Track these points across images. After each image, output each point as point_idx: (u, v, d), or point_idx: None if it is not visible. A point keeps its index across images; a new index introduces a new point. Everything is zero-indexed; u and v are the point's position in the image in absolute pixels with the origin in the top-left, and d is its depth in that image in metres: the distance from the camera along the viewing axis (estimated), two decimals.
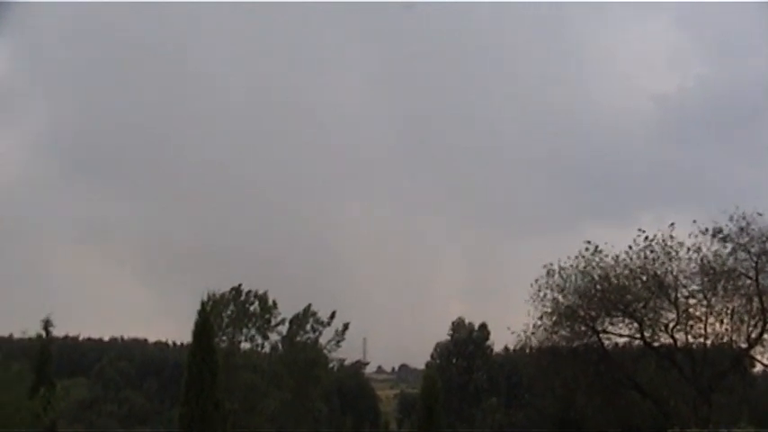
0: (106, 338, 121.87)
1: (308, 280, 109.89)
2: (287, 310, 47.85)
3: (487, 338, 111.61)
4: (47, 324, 15.83)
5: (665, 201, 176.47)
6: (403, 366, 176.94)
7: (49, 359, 15.24)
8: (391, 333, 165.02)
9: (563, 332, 32.84)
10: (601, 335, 32.80)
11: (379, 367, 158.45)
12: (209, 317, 19.28)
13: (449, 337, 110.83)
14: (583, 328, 32.63)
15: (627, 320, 32.26)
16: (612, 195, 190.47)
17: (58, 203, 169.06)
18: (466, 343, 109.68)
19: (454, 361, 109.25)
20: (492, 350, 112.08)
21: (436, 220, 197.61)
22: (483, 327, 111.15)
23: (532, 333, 33.27)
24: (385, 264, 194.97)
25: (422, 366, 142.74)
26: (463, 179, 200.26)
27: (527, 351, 35.49)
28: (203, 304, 22.41)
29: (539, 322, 32.70)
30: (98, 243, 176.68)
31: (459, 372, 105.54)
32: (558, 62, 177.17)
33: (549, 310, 32.46)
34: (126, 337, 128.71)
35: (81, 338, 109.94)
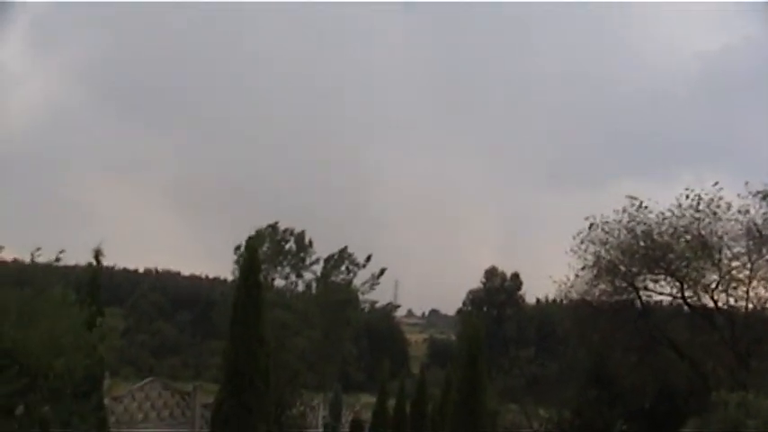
0: (141, 270, 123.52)
1: (343, 222, 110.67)
2: (322, 251, 47.95)
3: (519, 289, 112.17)
4: (98, 253, 15.62)
5: (705, 160, 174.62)
6: (433, 311, 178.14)
7: (99, 290, 15.07)
8: (422, 278, 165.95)
9: (603, 286, 32.45)
10: (641, 292, 32.37)
11: (409, 311, 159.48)
12: (257, 253, 19.11)
13: (481, 285, 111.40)
14: (623, 284, 32.19)
15: (668, 279, 31.74)
16: (652, 153, 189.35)
17: (99, 134, 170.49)
18: (498, 292, 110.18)
19: (485, 309, 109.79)
20: (523, 300, 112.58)
21: (473, 172, 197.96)
22: (515, 276, 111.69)
23: (571, 286, 33.03)
24: (420, 211, 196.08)
25: (452, 312, 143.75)
26: (502, 133, 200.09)
27: (565, 302, 35.09)
28: (250, 240, 22.30)
29: (580, 274, 32.37)
30: (134, 174, 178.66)
31: (490, 320, 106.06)
32: (600, 18, 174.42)
33: (591, 263, 32.08)
34: (160, 269, 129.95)
35: (116, 268, 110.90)
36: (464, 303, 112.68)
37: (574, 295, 33.40)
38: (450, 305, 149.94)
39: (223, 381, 18.19)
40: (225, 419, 17.77)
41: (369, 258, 56.60)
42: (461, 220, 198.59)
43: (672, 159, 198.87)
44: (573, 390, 35.81)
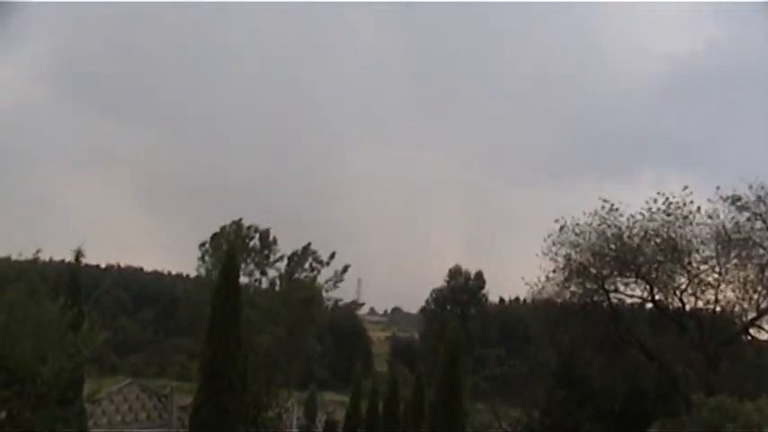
0: (103, 265, 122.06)
1: (306, 220, 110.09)
2: (286, 248, 47.82)
3: (483, 288, 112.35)
4: (78, 254, 15.34)
5: (669, 162, 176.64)
6: (395, 309, 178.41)
7: (79, 290, 14.78)
8: (385, 276, 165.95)
9: (573, 288, 32.62)
10: (611, 294, 32.60)
11: (372, 309, 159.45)
12: (236, 255, 18.97)
13: (445, 284, 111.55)
14: (594, 286, 32.41)
15: (638, 282, 32.01)
16: (616, 153, 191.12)
17: (60, 130, 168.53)
18: (461, 291, 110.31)
19: (449, 308, 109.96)
20: (486, 299, 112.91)
21: (438, 171, 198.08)
22: (479, 276, 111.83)
23: (542, 288, 33.16)
24: (384, 208, 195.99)
25: (414, 310, 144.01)
26: (469, 133, 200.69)
27: (536, 303, 35.22)
28: (230, 242, 22.19)
29: (551, 275, 32.51)
30: (98, 170, 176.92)
31: (453, 319, 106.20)
32: (570, 19, 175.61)
33: (561, 265, 32.25)
34: (123, 264, 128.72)
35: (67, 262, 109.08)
36: (427, 302, 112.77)
37: (544, 297, 33.47)
38: (413, 303, 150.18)
39: (200, 382, 18.04)
40: (203, 422, 17.64)
41: (333, 256, 56.48)
42: (425, 218, 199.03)
43: (636, 160, 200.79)
44: (542, 390, 36.03)
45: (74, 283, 14.95)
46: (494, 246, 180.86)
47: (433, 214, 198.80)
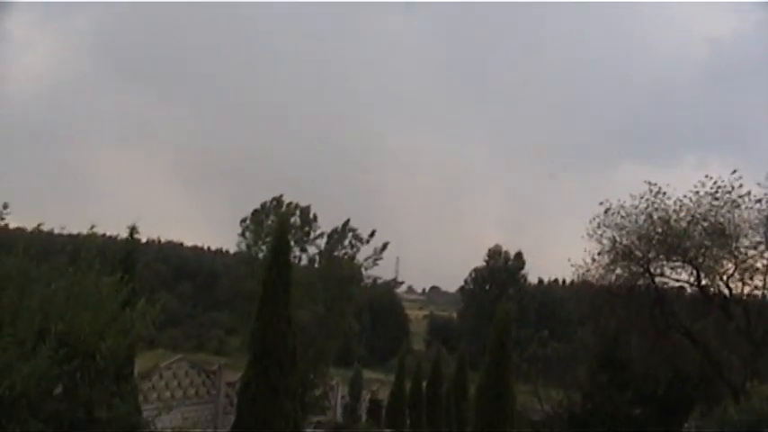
0: (143, 240, 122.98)
1: (346, 198, 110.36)
2: (326, 225, 47.92)
3: (522, 268, 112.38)
4: (133, 230, 15.44)
5: (709, 146, 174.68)
6: (433, 288, 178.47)
7: (134, 266, 14.89)
8: (424, 254, 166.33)
9: (619, 271, 32.37)
10: (656, 278, 32.33)
11: (410, 287, 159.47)
12: (287, 232, 19.01)
13: (484, 264, 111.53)
14: (639, 270, 32.15)
15: (685, 266, 31.70)
16: (657, 137, 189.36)
17: (103, 105, 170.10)
18: (500, 271, 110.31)
19: (487, 288, 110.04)
20: (525, 280, 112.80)
21: (479, 152, 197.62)
22: (518, 256, 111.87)
23: (587, 270, 32.92)
24: (424, 188, 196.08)
25: (452, 290, 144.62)
26: (509, 115, 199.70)
27: (581, 285, 34.95)
28: (281, 219, 22.21)
29: (596, 257, 32.30)
30: (138, 144, 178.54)
31: (492, 299, 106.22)
32: (608, 4, 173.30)
33: (607, 248, 32.02)
34: (163, 239, 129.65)
35: (118, 238, 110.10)
36: (466, 281, 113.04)
37: (590, 279, 33.25)
38: (451, 282, 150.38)
39: (250, 360, 18.14)
40: (252, 399, 17.75)
41: (372, 234, 56.34)
42: (465, 198, 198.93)
43: (676, 144, 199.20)
44: (584, 373, 35.88)
45: (128, 259, 15.05)
46: (533, 227, 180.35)
47: (473, 195, 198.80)
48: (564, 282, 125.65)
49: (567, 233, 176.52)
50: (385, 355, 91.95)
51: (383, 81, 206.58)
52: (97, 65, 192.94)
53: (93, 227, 13.79)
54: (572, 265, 33.42)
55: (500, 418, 19.55)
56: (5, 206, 11.71)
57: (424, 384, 33.79)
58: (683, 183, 30.56)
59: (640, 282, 32.47)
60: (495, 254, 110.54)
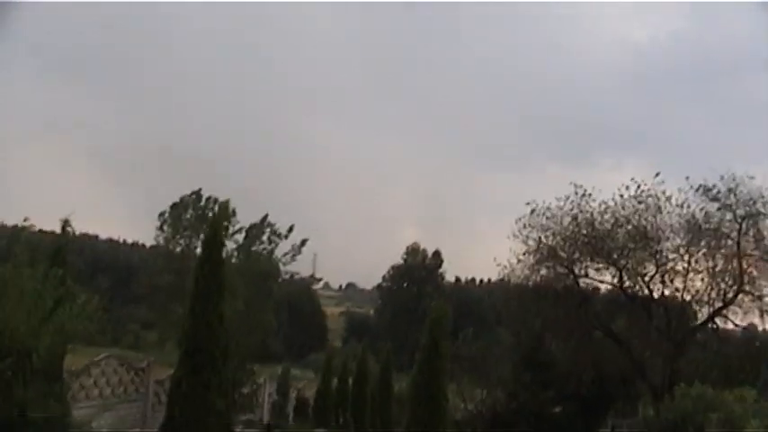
0: (58, 231, 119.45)
1: (264, 192, 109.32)
2: (243, 219, 47.46)
3: (440, 266, 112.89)
4: (65, 224, 14.80)
5: (625, 148, 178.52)
6: (350, 285, 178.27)
7: (65, 262, 14.14)
8: (340, 250, 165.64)
9: (544, 272, 32.71)
10: (581, 279, 32.77)
11: (326, 284, 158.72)
12: (221, 228, 18.58)
13: (402, 261, 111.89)
14: (563, 271, 32.53)
15: (609, 268, 32.21)
16: (574, 139, 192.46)
17: (13, 98, 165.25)
18: (418, 268, 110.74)
19: (405, 285, 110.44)
20: (443, 278, 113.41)
21: (397, 147, 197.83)
22: (436, 254, 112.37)
23: (512, 270, 33.17)
24: (341, 183, 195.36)
25: (369, 287, 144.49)
26: (428, 114, 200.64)
27: (509, 285, 35.13)
28: (215, 215, 21.77)
29: (522, 258, 32.55)
30: (53, 135, 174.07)
31: (410, 297, 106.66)
32: (531, 4, 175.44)
33: (533, 248, 32.30)
34: (78, 231, 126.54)
35: (31, 230, 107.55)
36: (384, 278, 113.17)
37: (515, 279, 33.54)
38: (368, 279, 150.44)
39: (181, 356, 17.66)
40: (183, 396, 17.26)
41: (291, 229, 55.65)
42: (383, 196, 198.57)
43: (593, 146, 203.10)
44: (509, 372, 36.13)
45: (60, 254, 14.37)
46: (450, 226, 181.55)
47: (391, 193, 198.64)
48: (481, 281, 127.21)
49: (485, 232, 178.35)
50: (302, 352, 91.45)
51: (301, 76, 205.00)
52: (20, 58, 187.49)
53: (26, 219, 13.24)
54: (498, 265, 33.70)
55: (433, 419, 19.46)
56: None
57: (350, 382, 33.53)
58: (599, 184, 31.15)
59: (565, 282, 32.88)
60: (413, 252, 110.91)
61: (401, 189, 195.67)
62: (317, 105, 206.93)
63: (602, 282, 33.14)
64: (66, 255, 14.54)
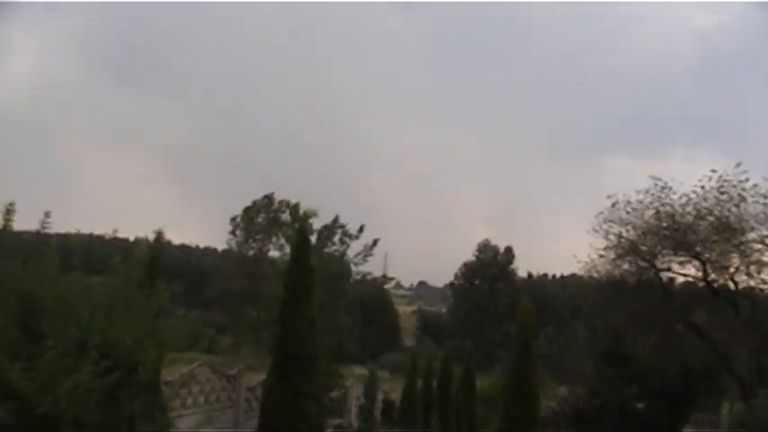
0: (131, 239, 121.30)
1: (334, 193, 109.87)
2: (315, 222, 47.79)
3: (511, 262, 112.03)
4: (159, 235, 14.99)
5: (695, 138, 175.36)
6: (421, 283, 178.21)
7: (159, 272, 14.28)
8: (411, 249, 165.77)
9: (626, 266, 32.30)
10: (663, 273, 32.28)
11: (398, 283, 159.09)
12: (308, 234, 18.75)
13: (474, 258, 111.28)
14: (645, 265, 32.07)
15: (691, 260, 31.63)
16: (645, 130, 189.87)
17: (86, 106, 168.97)
18: (490, 265, 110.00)
19: (477, 282, 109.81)
20: (515, 274, 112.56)
21: (467, 145, 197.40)
22: (508, 250, 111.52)
23: (593, 266, 32.83)
24: (412, 181, 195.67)
25: (440, 285, 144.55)
26: (497, 109, 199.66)
27: (590, 281, 34.74)
28: (302, 221, 22.00)
29: (603, 253, 32.17)
30: (125, 143, 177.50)
31: (482, 294, 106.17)
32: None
33: (614, 243, 31.92)
34: (150, 238, 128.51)
35: (106, 238, 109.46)
36: (456, 276, 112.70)
37: (595, 274, 33.19)
38: (439, 277, 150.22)
39: (272, 363, 17.87)
40: (275, 403, 17.48)
41: (361, 229, 55.97)
42: (453, 192, 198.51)
43: (664, 137, 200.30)
44: (591, 368, 35.76)
45: (154, 265, 14.51)
46: (520, 222, 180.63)
47: (460, 190, 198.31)
48: (553, 276, 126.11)
49: (555, 227, 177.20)
50: (376, 352, 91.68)
51: (371, 77, 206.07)
52: (83, 64, 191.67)
53: (115, 231, 13.46)
54: (578, 261, 33.35)
55: (526, 418, 19.42)
56: (47, 215, 11.51)
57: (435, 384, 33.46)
58: (672, 176, 30.88)
59: (647, 276, 32.42)
60: (484, 248, 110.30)
61: (470, 186, 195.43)
62: (386, 105, 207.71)
63: (685, 275, 32.54)
64: (159, 266, 14.73)
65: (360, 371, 51.60)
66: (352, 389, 32.42)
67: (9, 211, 11.99)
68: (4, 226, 11.98)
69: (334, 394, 29.88)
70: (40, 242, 11.89)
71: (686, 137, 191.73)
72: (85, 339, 10.69)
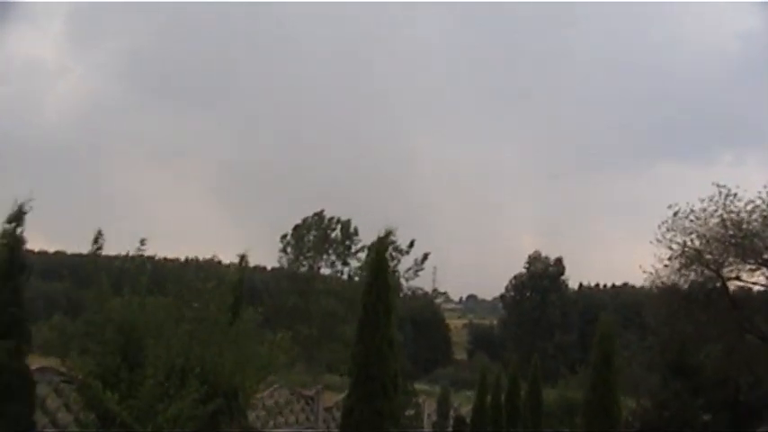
0: (182, 259, 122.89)
1: (383, 208, 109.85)
2: (366, 238, 47.73)
3: (562, 274, 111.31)
4: (243, 258, 15.10)
5: (746, 141, 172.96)
6: (470, 296, 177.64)
7: (242, 296, 14.38)
8: (459, 262, 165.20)
9: (693, 276, 31.91)
10: (731, 282, 31.79)
11: (447, 296, 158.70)
12: (385, 253, 18.66)
13: (524, 270, 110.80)
14: (711, 274, 31.64)
15: (759, 268, 31.13)
16: (691, 135, 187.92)
17: (140, 125, 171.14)
18: (541, 277, 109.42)
19: (528, 294, 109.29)
20: (566, 285, 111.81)
21: (512, 157, 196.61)
22: (558, 261, 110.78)
23: (658, 276, 32.45)
24: (459, 196, 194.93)
25: (490, 297, 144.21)
26: (543, 121, 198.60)
27: (654, 291, 34.33)
28: (380, 240, 21.87)
29: (667, 263, 31.80)
30: (173, 162, 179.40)
31: (534, 306, 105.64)
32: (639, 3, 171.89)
33: (678, 252, 31.54)
34: (201, 258, 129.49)
35: (157, 258, 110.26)
36: (506, 288, 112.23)
37: (659, 284, 32.80)
38: (488, 290, 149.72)
39: (352, 384, 17.79)
40: (356, 425, 17.38)
41: (412, 244, 56.02)
42: (500, 205, 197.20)
43: (712, 141, 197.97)
44: (656, 379, 35.34)
45: (239, 288, 14.60)
46: (568, 232, 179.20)
47: (505, 202, 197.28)
48: (605, 286, 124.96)
49: (603, 236, 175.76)
50: (428, 366, 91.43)
51: (415, 88, 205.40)
52: (131, 85, 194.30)
53: (215, 257, 13.52)
54: (644, 272, 32.91)
55: None
56: (142, 242, 11.57)
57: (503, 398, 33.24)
58: (720, 180, 30.50)
59: (713, 285, 31.99)
60: (535, 260, 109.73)
61: (517, 197, 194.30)
62: (430, 118, 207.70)
63: (754, 284, 32.04)
64: (243, 289, 14.80)
65: (419, 386, 51.64)
66: (424, 406, 32.27)
67: (97, 239, 12.11)
68: (95, 253, 12.08)
69: (408, 412, 29.77)
70: (135, 268, 11.97)
71: (734, 140, 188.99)
72: (185, 366, 10.75)
